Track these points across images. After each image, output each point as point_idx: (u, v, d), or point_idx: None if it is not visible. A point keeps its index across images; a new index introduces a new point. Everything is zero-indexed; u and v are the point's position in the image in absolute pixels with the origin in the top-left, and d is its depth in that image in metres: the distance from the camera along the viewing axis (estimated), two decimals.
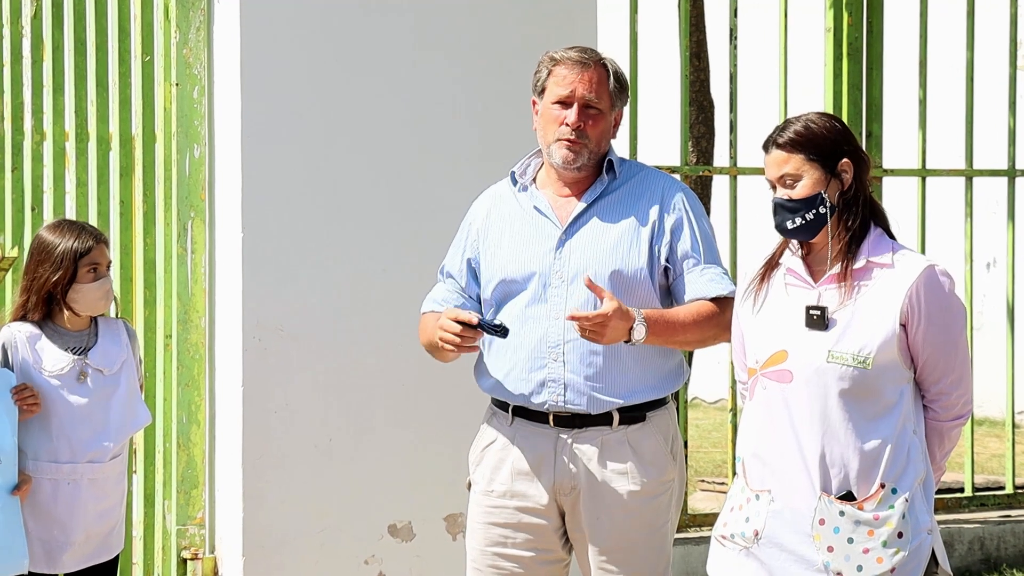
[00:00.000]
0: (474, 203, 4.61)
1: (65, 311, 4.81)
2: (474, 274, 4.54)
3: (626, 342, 4.25)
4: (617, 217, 4.40)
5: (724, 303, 4.37)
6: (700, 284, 4.39)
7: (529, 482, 4.39)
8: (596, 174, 4.46)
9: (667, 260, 4.40)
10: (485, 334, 4.30)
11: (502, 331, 4.27)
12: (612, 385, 4.36)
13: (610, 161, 4.45)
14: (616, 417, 4.37)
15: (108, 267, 4.85)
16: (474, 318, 4.29)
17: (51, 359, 4.78)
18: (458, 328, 4.28)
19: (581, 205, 4.42)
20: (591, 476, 4.36)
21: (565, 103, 4.38)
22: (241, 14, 5.59)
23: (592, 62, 4.40)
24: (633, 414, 4.39)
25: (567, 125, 4.37)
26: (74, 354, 4.80)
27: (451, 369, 5.19)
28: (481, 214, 4.55)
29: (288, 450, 5.66)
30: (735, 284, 4.36)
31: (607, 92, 4.40)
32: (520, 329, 4.39)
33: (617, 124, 4.47)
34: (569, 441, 4.37)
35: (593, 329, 4.20)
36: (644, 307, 4.34)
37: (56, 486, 4.76)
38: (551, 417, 4.38)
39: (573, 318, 4.19)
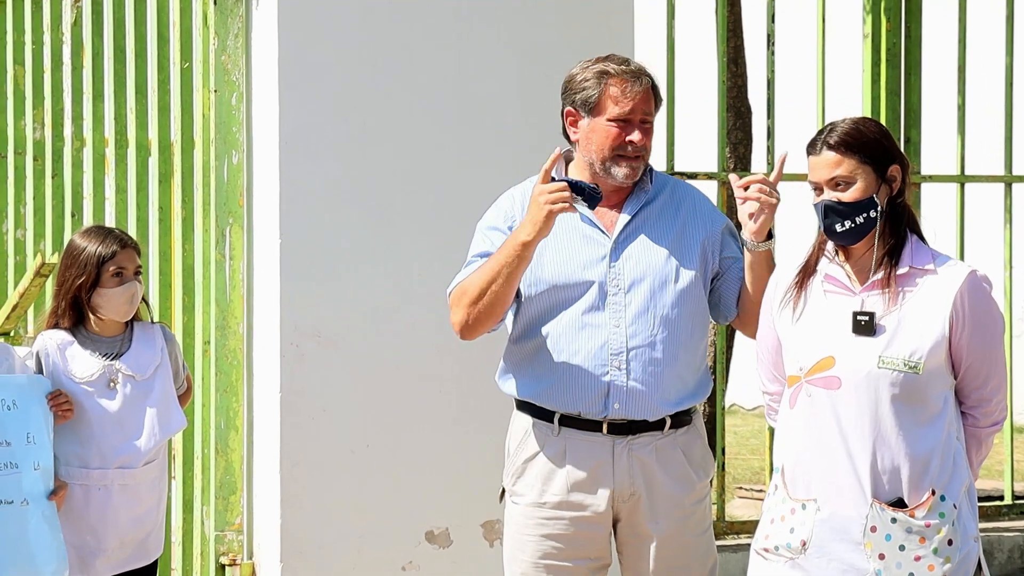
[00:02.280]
0: (506, 197, 4.57)
1: (93, 316, 4.81)
2: None
3: (767, 239, 4.31)
4: (665, 226, 4.45)
5: None
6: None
7: (587, 492, 4.39)
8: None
9: (719, 266, 4.48)
10: (579, 197, 4.25)
11: (597, 195, 4.26)
12: (668, 392, 4.39)
13: (651, 169, 4.50)
14: (668, 422, 4.40)
15: (136, 273, 4.83)
16: (564, 181, 4.26)
17: (81, 365, 4.78)
18: (564, 186, 4.23)
19: (626, 215, 4.45)
20: (650, 481, 4.38)
21: (625, 120, 4.37)
22: (279, 21, 5.61)
23: (644, 74, 4.43)
24: (680, 417, 4.43)
25: (631, 144, 4.37)
26: (106, 359, 4.80)
27: (490, 373, 5.19)
28: (518, 210, 4.51)
29: (326, 456, 5.66)
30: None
31: (655, 103, 4.45)
32: (576, 336, 4.39)
33: None
34: (625, 448, 4.38)
35: (767, 195, 4.25)
36: (695, 311, 4.44)
37: (87, 492, 4.76)
38: (605, 425, 4.38)
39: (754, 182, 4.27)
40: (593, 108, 4.39)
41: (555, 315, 4.42)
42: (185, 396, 5.09)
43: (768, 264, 4.34)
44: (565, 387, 4.39)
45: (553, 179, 4.29)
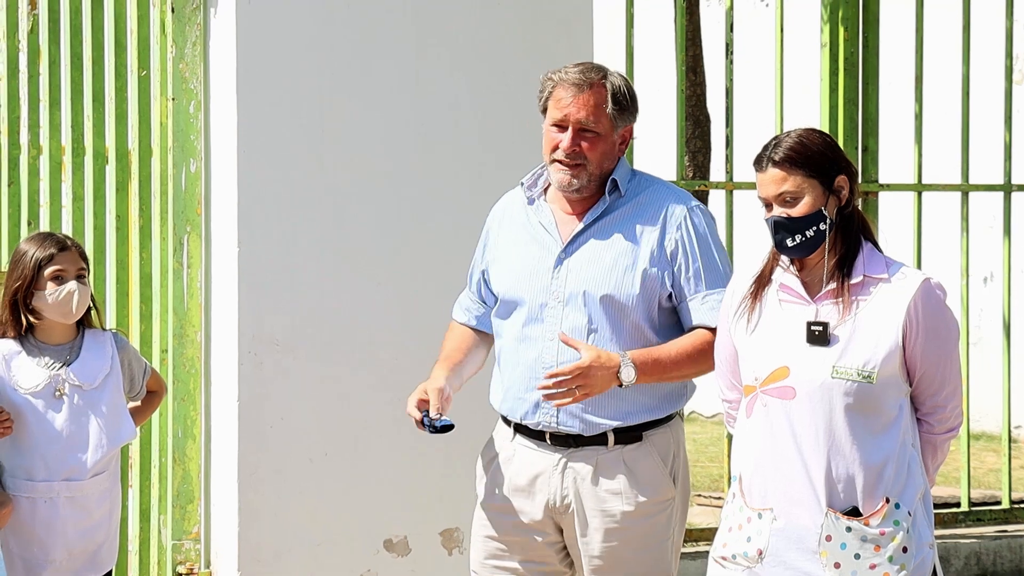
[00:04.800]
0: (492, 209, 4.59)
1: (40, 322, 4.72)
2: (488, 286, 4.54)
3: (620, 386, 4.23)
4: (616, 239, 4.34)
5: None
6: (701, 313, 4.33)
7: (525, 498, 4.39)
8: (601, 192, 4.41)
9: (671, 286, 4.34)
10: (428, 431, 4.30)
11: (443, 430, 4.27)
12: (605, 408, 4.33)
13: (614, 180, 4.38)
14: (611, 437, 4.35)
15: (80, 275, 4.72)
16: (420, 416, 4.29)
17: (27, 376, 4.70)
18: (418, 416, 4.30)
19: (581, 224, 4.38)
20: (585, 495, 4.35)
21: (561, 126, 4.34)
22: (237, 29, 5.60)
23: (589, 84, 4.32)
24: (629, 434, 4.36)
25: (561, 149, 4.34)
26: (54, 369, 4.73)
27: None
28: (495, 223, 4.53)
29: (284, 464, 5.65)
30: None
31: (605, 114, 4.33)
32: (517, 348, 4.39)
33: (626, 141, 4.40)
34: (565, 460, 4.36)
35: (578, 384, 4.18)
36: (635, 333, 4.32)
37: (33, 504, 4.68)
38: (548, 436, 4.38)
39: (553, 375, 4.18)
40: (544, 112, 4.40)
41: (506, 323, 4.44)
42: (151, 400, 4.96)
43: (656, 379, 4.28)
44: (510, 396, 4.41)
45: (419, 421, 4.31)
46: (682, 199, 4.41)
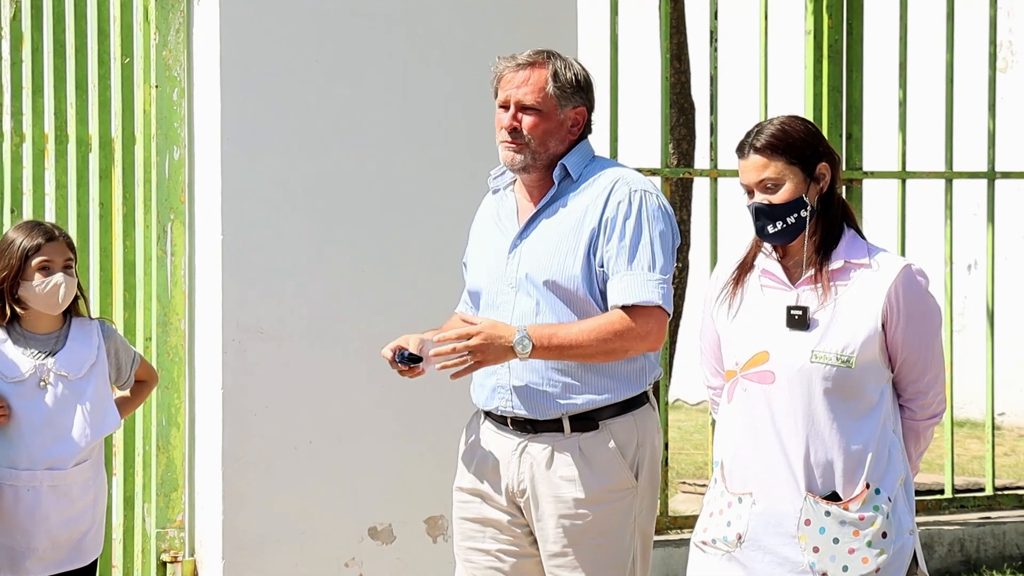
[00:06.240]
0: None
1: (25, 312, 4.71)
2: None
3: (517, 357, 4.21)
4: (560, 222, 4.34)
5: (638, 312, 4.24)
6: (615, 292, 4.27)
7: (490, 483, 4.43)
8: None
9: (600, 265, 4.31)
10: (402, 364, 4.29)
11: (411, 359, 4.25)
12: (557, 392, 4.32)
13: (563, 165, 4.37)
14: (567, 424, 4.35)
15: (67, 266, 4.71)
16: (390, 354, 4.28)
17: (12, 364, 4.70)
18: (389, 355, 4.31)
19: (534, 210, 4.40)
20: (539, 480, 4.36)
21: (505, 106, 4.37)
22: (221, 16, 5.59)
23: (530, 64, 4.35)
24: (585, 422, 4.34)
25: (504, 128, 4.37)
26: (39, 358, 4.72)
27: (433, 372, 5.18)
28: (476, 219, 4.59)
29: (268, 452, 5.65)
30: (661, 292, 4.25)
31: (545, 93, 4.33)
32: None
33: (579, 124, 4.38)
34: (523, 445, 4.39)
35: (470, 351, 4.16)
36: (588, 309, 4.29)
37: (17, 493, 4.68)
38: (510, 420, 4.40)
39: (442, 340, 4.17)
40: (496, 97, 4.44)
41: (475, 310, 4.48)
42: (141, 388, 4.94)
43: (556, 356, 4.25)
44: (475, 383, 4.44)
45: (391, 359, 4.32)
46: (626, 182, 4.36)
